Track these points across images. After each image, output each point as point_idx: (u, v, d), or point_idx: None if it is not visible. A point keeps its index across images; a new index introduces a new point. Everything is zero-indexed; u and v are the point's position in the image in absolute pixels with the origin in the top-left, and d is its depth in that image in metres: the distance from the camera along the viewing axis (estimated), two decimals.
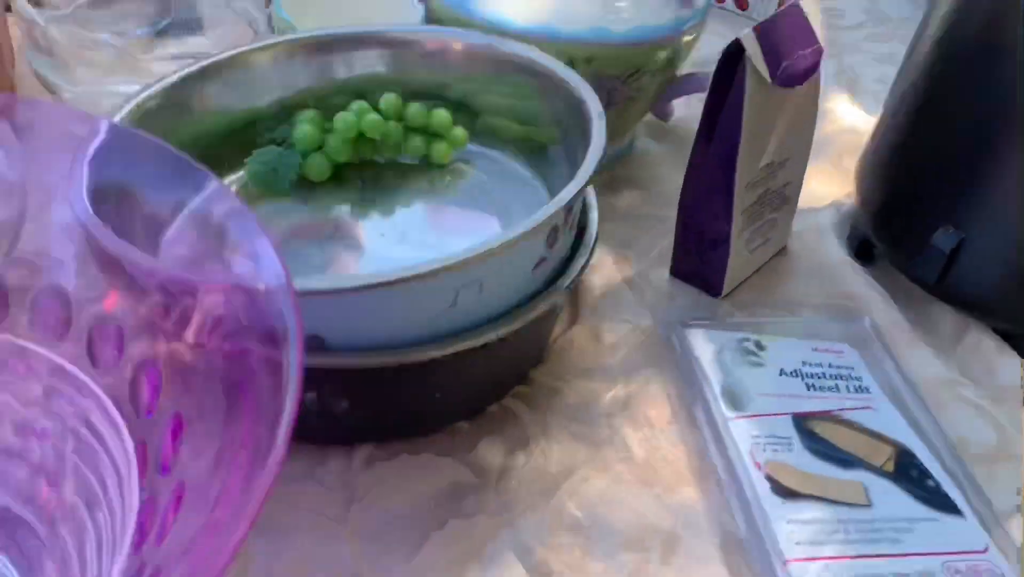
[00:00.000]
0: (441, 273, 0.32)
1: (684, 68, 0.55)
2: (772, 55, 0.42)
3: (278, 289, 0.27)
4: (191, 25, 0.60)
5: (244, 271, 0.29)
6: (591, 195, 0.43)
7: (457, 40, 0.48)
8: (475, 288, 0.34)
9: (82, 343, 0.32)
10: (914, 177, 0.47)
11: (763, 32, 0.42)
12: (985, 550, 0.34)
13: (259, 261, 0.27)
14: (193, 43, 0.60)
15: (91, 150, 0.33)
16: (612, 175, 0.56)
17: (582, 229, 0.41)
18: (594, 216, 0.42)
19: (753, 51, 0.41)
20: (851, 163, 0.58)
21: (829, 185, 0.57)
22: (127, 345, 0.31)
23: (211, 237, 0.30)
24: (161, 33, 0.61)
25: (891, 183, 0.49)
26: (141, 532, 0.28)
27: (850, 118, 0.63)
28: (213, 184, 0.30)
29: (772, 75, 0.42)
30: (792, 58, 0.43)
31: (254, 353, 0.27)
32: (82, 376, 0.31)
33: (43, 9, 0.54)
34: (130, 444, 0.29)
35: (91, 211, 0.32)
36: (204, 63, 0.45)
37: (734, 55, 0.41)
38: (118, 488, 0.29)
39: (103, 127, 0.33)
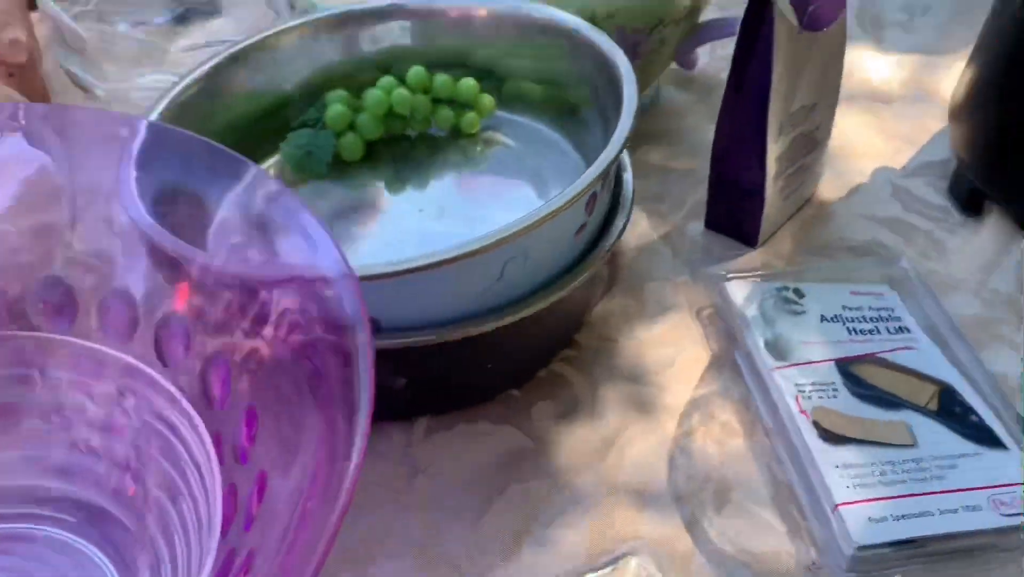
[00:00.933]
0: (491, 248, 0.32)
1: (707, 14, 0.55)
2: (797, 1, 0.42)
3: (340, 277, 0.28)
4: (210, 9, 0.61)
5: (302, 261, 0.30)
6: (624, 154, 0.43)
7: (479, 6, 0.48)
8: (521, 260, 0.35)
9: (150, 341, 0.33)
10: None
11: None
12: None
13: (317, 249, 0.28)
14: (214, 27, 0.61)
15: (134, 150, 0.34)
16: (639, 128, 0.56)
17: (617, 188, 0.42)
18: (628, 176, 0.42)
19: None
20: (882, 110, 0.58)
21: (857, 129, 0.56)
22: (194, 341, 0.32)
23: (263, 228, 0.31)
24: (181, 18, 0.61)
25: (1002, 134, 0.47)
26: (226, 519, 0.30)
27: (876, 64, 0.62)
28: (254, 172, 0.31)
29: (800, 20, 0.42)
30: (818, 1, 0.43)
31: (321, 342, 0.28)
32: (153, 373, 0.33)
33: (66, 5, 0.55)
34: (206, 436, 0.31)
35: (146, 213, 0.33)
36: (231, 51, 0.45)
37: (760, 3, 0.41)
38: (199, 479, 0.31)
39: (142, 127, 0.34)
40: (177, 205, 0.33)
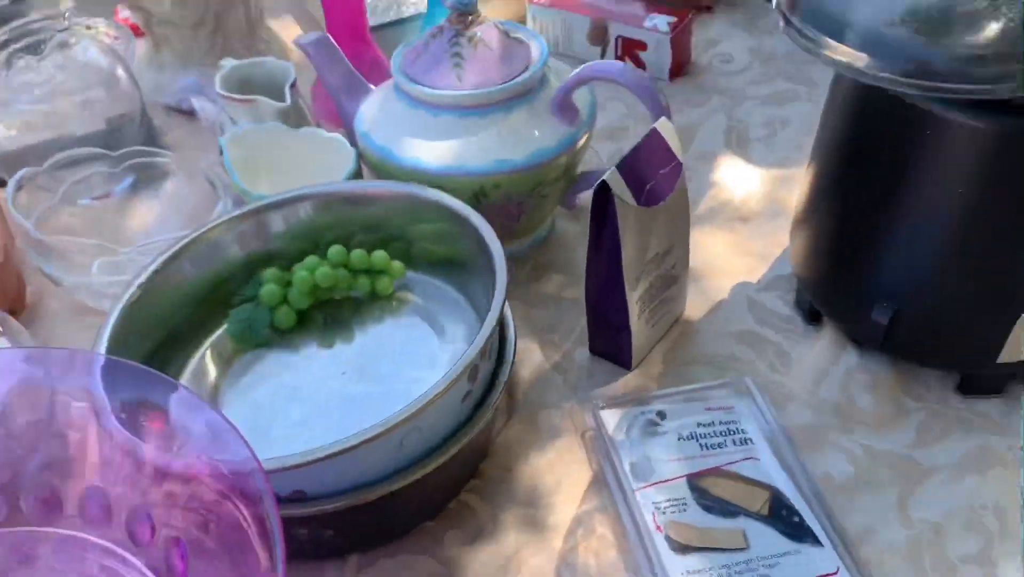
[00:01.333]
0: (387, 433, 0.41)
1: (584, 164, 0.65)
2: (636, 183, 0.51)
3: (253, 471, 0.37)
4: (159, 175, 0.69)
5: (228, 457, 0.39)
6: (507, 313, 0.52)
7: (383, 189, 0.57)
8: (415, 432, 0.43)
9: (122, 528, 0.41)
10: (844, 254, 0.54)
11: (625, 166, 0.51)
12: (836, 572, 0.44)
13: (233, 449, 0.37)
14: (164, 190, 0.69)
15: (98, 375, 0.42)
16: (535, 260, 0.66)
17: (503, 342, 0.51)
18: (511, 332, 0.51)
19: (618, 188, 0.50)
20: (743, 228, 0.67)
21: (720, 248, 0.66)
22: (158, 526, 0.41)
23: (199, 434, 0.40)
24: (136, 185, 0.70)
25: (824, 259, 0.56)
26: None
27: (739, 181, 0.72)
28: (183, 393, 0.39)
29: (638, 201, 0.51)
30: (654, 179, 0.52)
31: (243, 512, 0.37)
32: (127, 555, 0.41)
33: (30, 191, 0.64)
34: None
35: (121, 427, 0.42)
36: (176, 247, 0.54)
37: (603, 191, 0.50)
38: None
39: (100, 361, 0.42)
40: (135, 415, 0.42)
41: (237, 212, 0.56)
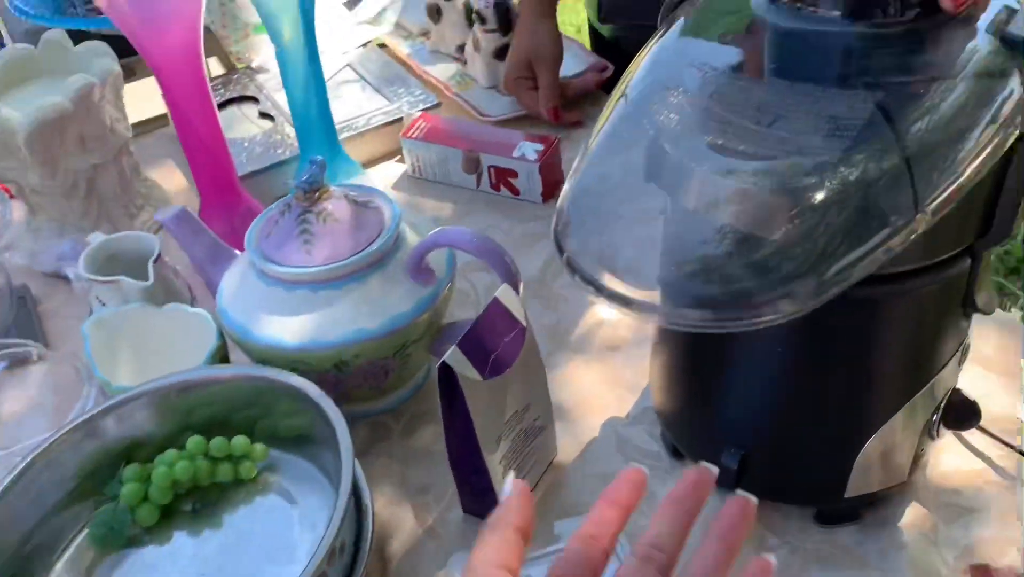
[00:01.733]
0: None
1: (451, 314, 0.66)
2: (480, 356, 0.52)
3: None
4: (30, 361, 0.69)
5: None
6: (366, 496, 0.53)
7: (231, 374, 0.58)
8: None
9: None
10: (691, 399, 0.56)
11: (467, 341, 0.52)
12: None
13: None
14: (35, 374, 0.69)
15: None
16: (411, 411, 0.66)
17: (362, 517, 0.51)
18: (368, 527, 0.52)
19: (460, 365, 0.51)
20: (613, 357, 0.69)
21: (591, 383, 0.67)
22: None
23: None
24: (10, 367, 0.70)
25: (675, 401, 0.57)
26: None
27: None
28: None
29: (483, 373, 0.52)
30: (499, 348, 0.53)
31: None
32: None
33: None
34: None
35: None
36: (23, 464, 0.53)
37: (445, 370, 0.51)
38: None
39: None
40: None
41: (90, 413, 0.56)
